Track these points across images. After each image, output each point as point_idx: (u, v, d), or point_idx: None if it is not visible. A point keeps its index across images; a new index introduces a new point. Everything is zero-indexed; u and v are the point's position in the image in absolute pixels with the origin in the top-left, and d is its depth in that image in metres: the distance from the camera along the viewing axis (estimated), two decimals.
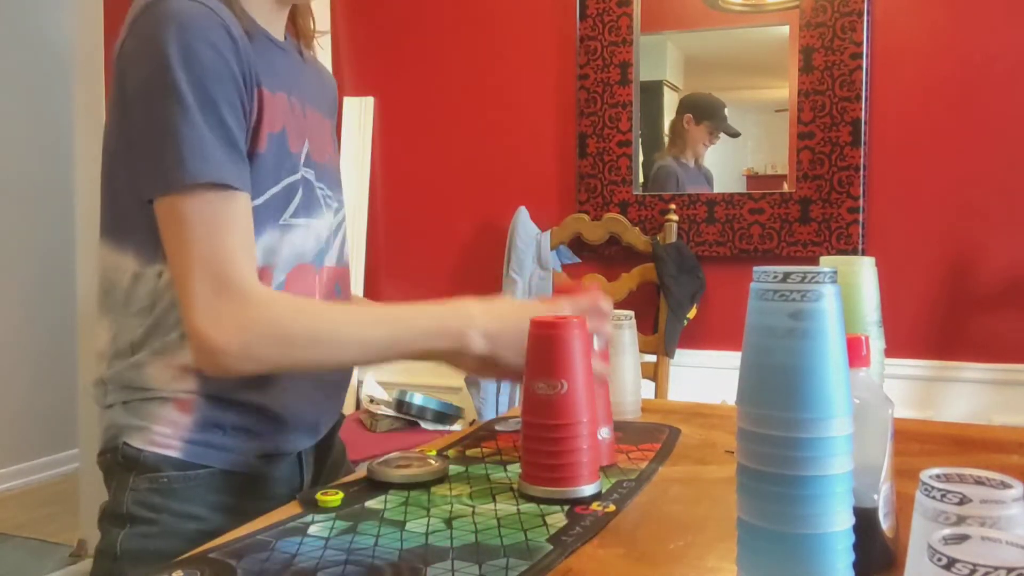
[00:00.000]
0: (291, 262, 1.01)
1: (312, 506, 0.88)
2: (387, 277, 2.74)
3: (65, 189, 3.47)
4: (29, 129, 3.80)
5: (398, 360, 0.98)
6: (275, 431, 1.03)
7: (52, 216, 3.80)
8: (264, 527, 0.83)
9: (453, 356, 0.95)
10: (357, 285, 2.68)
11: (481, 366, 0.96)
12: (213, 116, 0.89)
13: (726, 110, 2.42)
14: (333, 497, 0.88)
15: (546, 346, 0.89)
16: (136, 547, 0.96)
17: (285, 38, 1.10)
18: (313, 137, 1.06)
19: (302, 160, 1.03)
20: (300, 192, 1.02)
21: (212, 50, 0.90)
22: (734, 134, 2.41)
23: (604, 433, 0.98)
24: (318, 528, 0.82)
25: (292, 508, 0.89)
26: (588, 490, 0.88)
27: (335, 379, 1.13)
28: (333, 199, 1.11)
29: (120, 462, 0.99)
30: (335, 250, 1.11)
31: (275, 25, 1.06)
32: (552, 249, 2.44)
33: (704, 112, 2.44)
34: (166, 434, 0.97)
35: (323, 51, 2.71)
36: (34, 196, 3.83)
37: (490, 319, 0.94)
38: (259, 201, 0.96)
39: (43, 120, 3.82)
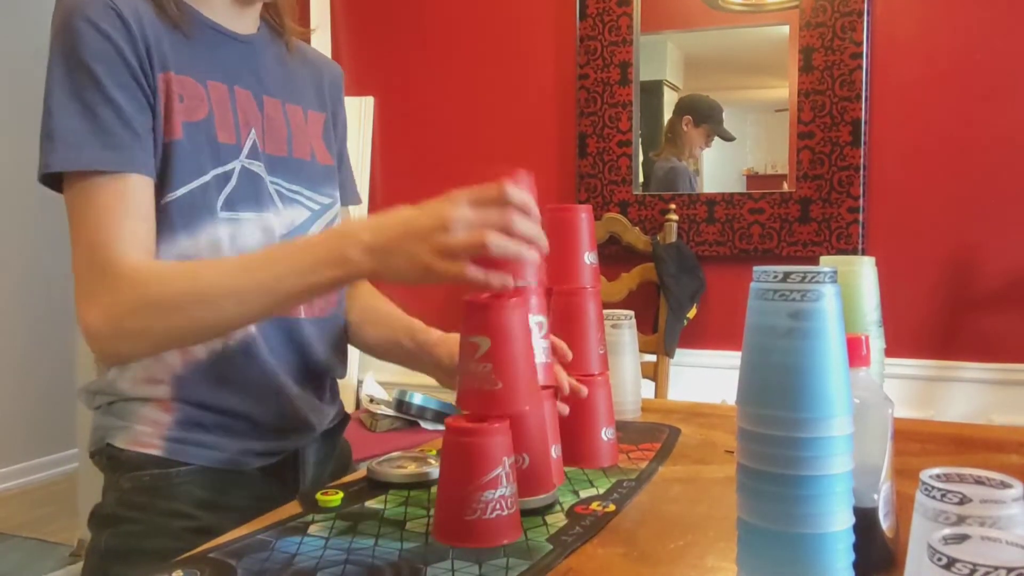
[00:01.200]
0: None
1: (312, 506, 0.88)
2: None
3: None
4: (28, 129, 3.80)
5: (289, 304, 0.91)
6: (256, 431, 1.02)
7: (51, 216, 3.79)
8: (264, 527, 0.83)
9: (344, 280, 0.87)
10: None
11: (376, 279, 0.88)
12: (97, 97, 0.89)
13: (723, 113, 2.42)
14: (333, 497, 0.88)
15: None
16: (122, 546, 0.96)
17: (259, 32, 1.09)
18: (270, 129, 1.04)
19: (244, 152, 1.00)
20: (234, 183, 0.98)
21: (94, 32, 0.89)
22: (730, 138, 2.41)
23: (608, 434, 0.97)
24: (318, 528, 0.82)
25: (292, 508, 0.89)
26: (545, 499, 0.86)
27: (316, 378, 1.10)
28: (303, 195, 1.07)
29: (106, 463, 1.00)
30: None
31: (233, 19, 1.05)
32: None
33: (704, 115, 2.44)
34: (147, 433, 0.98)
35: (322, 50, 2.72)
36: (33, 196, 3.82)
37: (373, 234, 0.83)
38: (182, 191, 0.94)
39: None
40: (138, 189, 0.91)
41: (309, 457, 1.10)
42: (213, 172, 0.97)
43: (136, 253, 0.89)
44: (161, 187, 0.94)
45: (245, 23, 1.07)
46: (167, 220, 0.94)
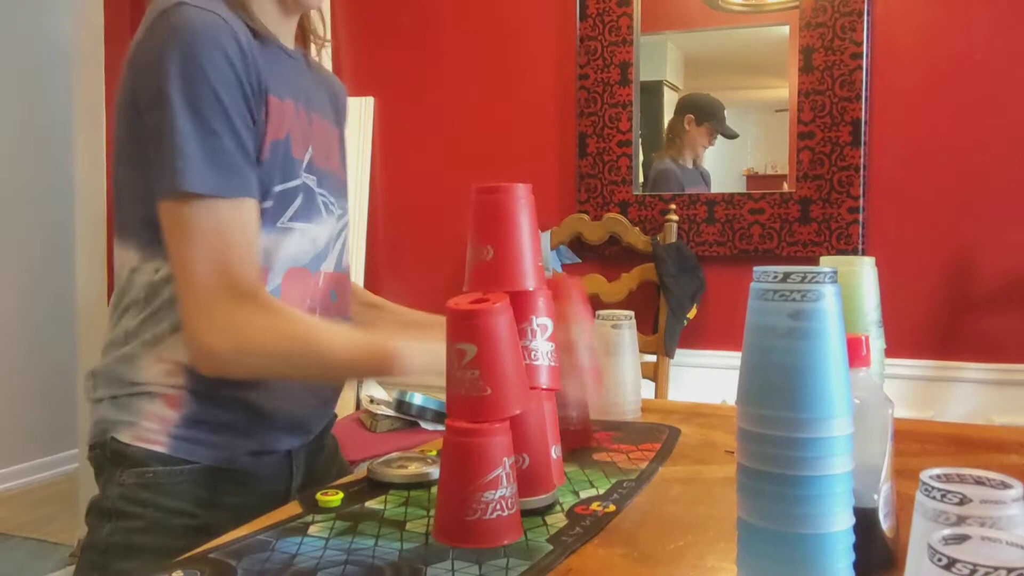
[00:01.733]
0: (286, 265, 1.02)
1: (312, 506, 0.88)
2: (387, 277, 2.74)
3: (65, 189, 3.46)
4: (28, 128, 3.80)
5: (353, 379, 1.01)
6: (263, 429, 1.03)
7: (52, 216, 3.80)
8: (264, 527, 0.83)
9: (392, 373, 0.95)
10: (358, 284, 2.68)
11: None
12: (223, 124, 0.92)
13: (725, 111, 2.42)
14: (333, 497, 0.88)
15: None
16: (122, 541, 0.96)
17: (294, 46, 1.12)
18: (317, 144, 1.08)
19: (304, 166, 1.04)
20: (300, 197, 1.02)
21: (222, 59, 0.92)
22: (733, 136, 2.41)
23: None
24: (318, 528, 0.82)
25: (292, 508, 0.89)
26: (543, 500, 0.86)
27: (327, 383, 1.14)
28: (336, 206, 1.11)
29: (108, 457, 1.00)
30: (334, 256, 1.11)
31: (284, 33, 1.08)
32: (552, 249, 2.44)
33: (705, 113, 2.44)
34: (153, 429, 0.98)
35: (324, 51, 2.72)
36: (34, 196, 3.82)
37: (424, 358, 0.95)
38: (262, 205, 0.98)
39: (43, 119, 3.82)
40: (252, 212, 0.95)
41: (301, 455, 1.11)
42: (284, 186, 1.00)
43: (259, 280, 0.95)
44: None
45: (289, 36, 1.09)
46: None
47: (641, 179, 2.45)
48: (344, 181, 1.18)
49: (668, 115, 2.48)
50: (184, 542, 0.82)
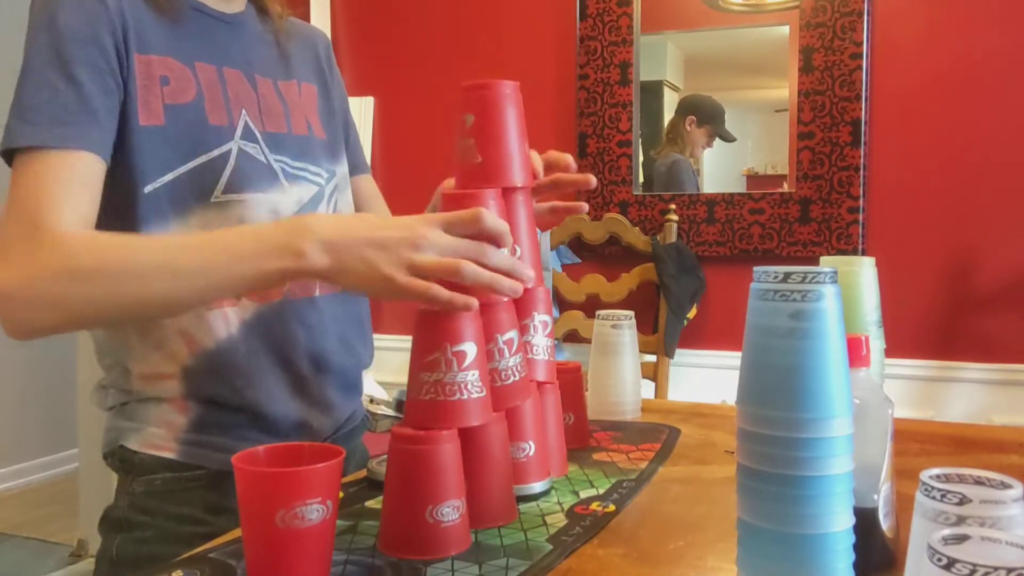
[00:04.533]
0: None
1: None
2: None
3: None
4: None
5: (227, 290, 0.86)
6: (270, 433, 0.99)
7: None
8: None
9: (293, 274, 0.81)
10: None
11: (328, 282, 0.86)
12: (61, 75, 0.87)
13: (725, 115, 2.42)
14: None
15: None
16: (132, 552, 0.95)
17: (246, 11, 1.08)
18: (266, 108, 1.02)
19: (237, 133, 0.98)
20: (231, 166, 0.95)
21: (75, 10, 0.89)
22: (731, 139, 2.41)
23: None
24: None
25: None
26: (538, 487, 0.89)
27: (332, 364, 1.06)
28: (308, 170, 1.05)
29: (119, 465, 0.98)
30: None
31: (222, 1, 1.04)
32: (552, 249, 2.44)
33: (707, 116, 2.44)
34: (161, 435, 0.96)
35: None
36: None
37: (334, 231, 0.80)
38: (169, 176, 0.92)
39: None
40: (85, 164, 0.86)
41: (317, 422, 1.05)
42: (206, 156, 0.94)
43: (71, 219, 0.84)
44: (146, 174, 0.91)
45: (231, 3, 1.05)
46: (158, 207, 0.92)
47: (641, 179, 2.45)
48: (326, 141, 1.11)
49: (668, 115, 2.48)
50: (193, 550, 0.81)
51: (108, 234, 0.87)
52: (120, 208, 0.92)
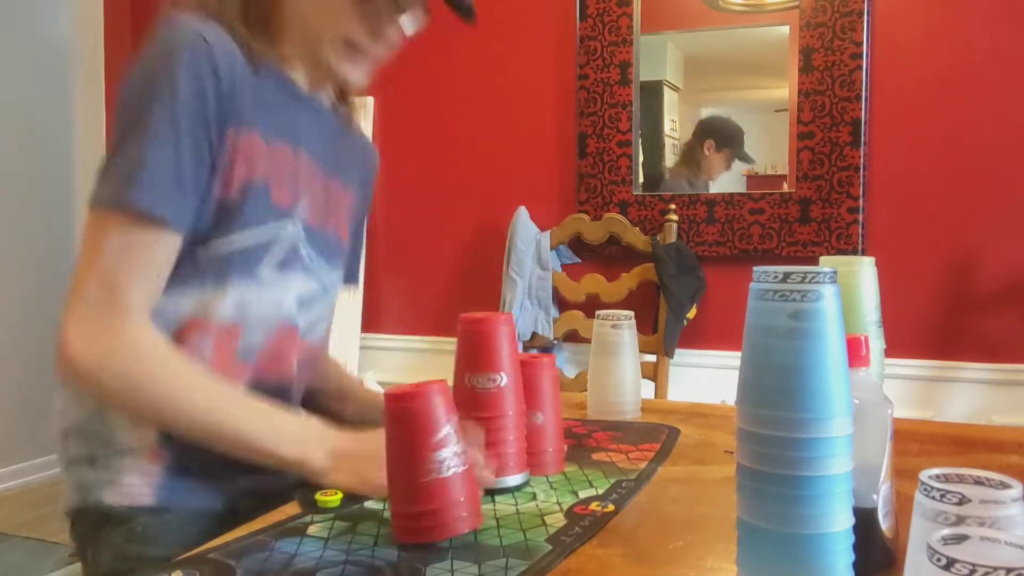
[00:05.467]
0: (270, 321, 0.99)
1: (311, 506, 0.88)
2: (387, 277, 2.74)
3: (64, 188, 3.47)
4: (28, 129, 3.80)
5: (225, 445, 0.91)
6: (246, 472, 0.95)
7: (51, 216, 3.79)
8: (264, 527, 0.83)
9: (292, 465, 0.89)
10: (357, 286, 2.68)
11: (314, 479, 0.90)
12: (167, 146, 0.89)
13: (744, 137, 2.40)
14: (333, 497, 0.88)
15: (480, 341, 0.92)
16: None
17: (325, 98, 1.10)
18: (316, 200, 1.04)
19: (294, 216, 1.01)
20: (280, 247, 0.99)
21: (193, 82, 0.89)
22: (750, 161, 2.40)
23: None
24: (317, 528, 0.82)
25: (291, 508, 0.89)
26: (516, 480, 0.92)
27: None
28: (323, 271, 1.07)
29: (93, 522, 0.98)
30: (310, 322, 1.07)
31: (313, 83, 1.06)
32: (552, 249, 2.44)
33: (726, 139, 2.42)
34: (136, 484, 0.97)
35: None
36: (33, 196, 3.82)
37: (339, 440, 0.91)
38: (225, 249, 0.95)
39: (42, 120, 3.82)
40: (168, 245, 0.91)
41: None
42: (262, 233, 0.97)
43: (144, 303, 0.90)
44: (201, 238, 0.94)
45: (315, 87, 1.08)
46: (208, 271, 0.95)
47: (641, 179, 2.45)
48: (344, 249, 1.13)
49: (668, 115, 2.48)
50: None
51: (173, 351, 0.92)
52: (178, 267, 0.94)
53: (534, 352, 2.09)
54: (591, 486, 0.94)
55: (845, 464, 0.59)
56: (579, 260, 2.50)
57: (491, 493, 0.90)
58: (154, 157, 0.88)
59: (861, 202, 2.19)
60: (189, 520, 0.97)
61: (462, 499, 0.77)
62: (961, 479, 0.53)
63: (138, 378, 0.89)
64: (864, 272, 1.02)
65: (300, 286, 1.03)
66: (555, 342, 2.45)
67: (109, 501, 0.97)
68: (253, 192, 0.95)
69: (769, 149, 2.38)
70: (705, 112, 2.48)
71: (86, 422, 0.99)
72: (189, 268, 0.94)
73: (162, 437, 0.97)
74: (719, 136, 2.43)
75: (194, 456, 0.95)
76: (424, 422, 0.77)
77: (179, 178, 0.89)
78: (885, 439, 0.70)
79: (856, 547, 0.60)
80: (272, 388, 0.99)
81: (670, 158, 2.50)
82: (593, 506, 0.86)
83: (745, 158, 2.40)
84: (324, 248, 1.07)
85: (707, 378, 2.32)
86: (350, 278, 1.22)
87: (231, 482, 0.99)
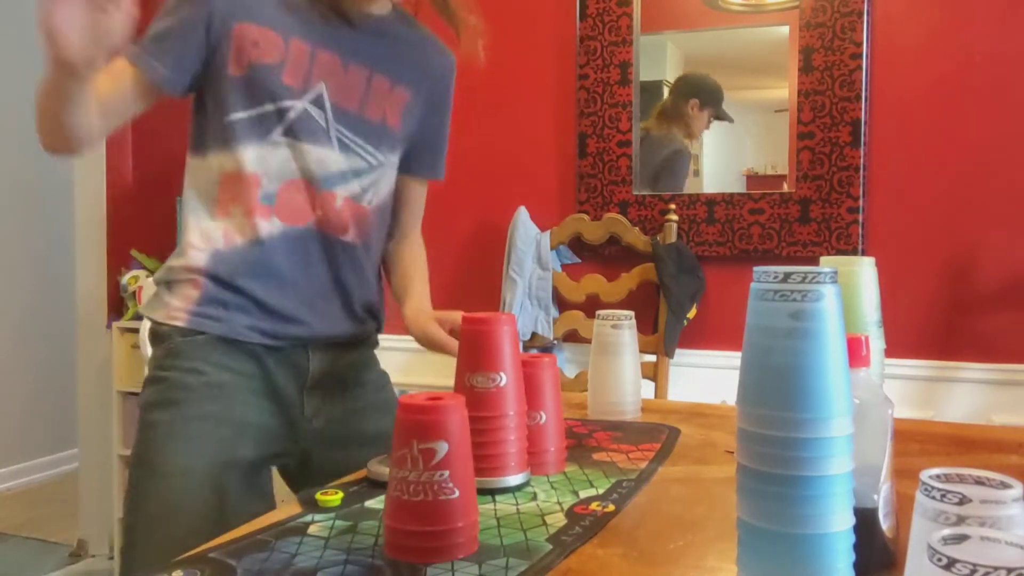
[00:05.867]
0: (284, 175, 1.19)
1: (312, 506, 0.88)
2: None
3: (65, 188, 3.46)
4: (27, 130, 3.80)
5: (60, 100, 1.04)
6: (270, 319, 1.19)
7: (53, 217, 3.79)
8: (264, 527, 0.83)
9: (58, 80, 1.00)
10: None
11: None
12: (164, 22, 1.15)
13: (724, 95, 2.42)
14: (333, 497, 0.89)
15: (481, 341, 0.92)
16: (155, 399, 1.17)
17: (388, 14, 1.29)
18: (344, 88, 1.22)
19: (306, 96, 1.19)
20: (292, 119, 1.18)
21: None
22: (730, 120, 2.41)
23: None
24: (318, 528, 0.82)
25: (292, 508, 0.89)
26: (516, 480, 0.92)
27: (338, 291, 1.25)
28: (364, 149, 1.25)
29: (152, 339, 1.22)
30: (360, 190, 1.25)
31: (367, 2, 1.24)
32: (552, 249, 2.44)
33: (709, 97, 2.42)
34: (177, 307, 1.18)
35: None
36: (34, 196, 3.83)
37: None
38: (243, 114, 1.17)
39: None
40: (127, 75, 1.12)
41: (321, 355, 1.24)
42: (272, 106, 1.17)
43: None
44: (228, 109, 1.17)
45: (374, 6, 1.25)
46: (237, 134, 1.17)
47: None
48: (397, 135, 1.29)
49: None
50: (195, 395, 1.14)
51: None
52: (216, 132, 1.18)
53: (534, 352, 2.09)
54: (592, 486, 0.94)
55: (845, 464, 0.59)
56: (579, 260, 2.50)
57: (492, 493, 0.90)
58: (155, 26, 1.15)
59: (861, 202, 2.19)
60: (209, 345, 1.17)
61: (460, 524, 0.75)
62: (961, 479, 0.53)
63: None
64: (864, 272, 1.02)
65: (327, 155, 1.21)
66: (555, 342, 2.45)
67: (159, 318, 1.20)
68: (264, 73, 1.16)
69: (769, 149, 2.38)
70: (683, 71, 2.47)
71: (173, 260, 1.21)
72: (224, 134, 1.17)
73: (210, 264, 1.17)
74: (703, 94, 2.43)
75: (224, 292, 1.17)
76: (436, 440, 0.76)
77: (162, 39, 1.14)
78: (885, 439, 0.70)
79: (856, 547, 0.60)
80: (296, 232, 1.20)
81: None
82: (593, 506, 0.87)
83: (725, 116, 2.41)
84: (361, 130, 1.24)
85: (707, 378, 2.32)
86: (432, 172, 1.43)
87: (247, 318, 1.18)
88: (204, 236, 1.19)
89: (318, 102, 1.21)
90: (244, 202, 1.18)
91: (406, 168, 1.36)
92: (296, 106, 1.19)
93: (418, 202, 1.46)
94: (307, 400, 1.24)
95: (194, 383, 1.16)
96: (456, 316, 1.19)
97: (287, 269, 1.20)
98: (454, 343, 1.11)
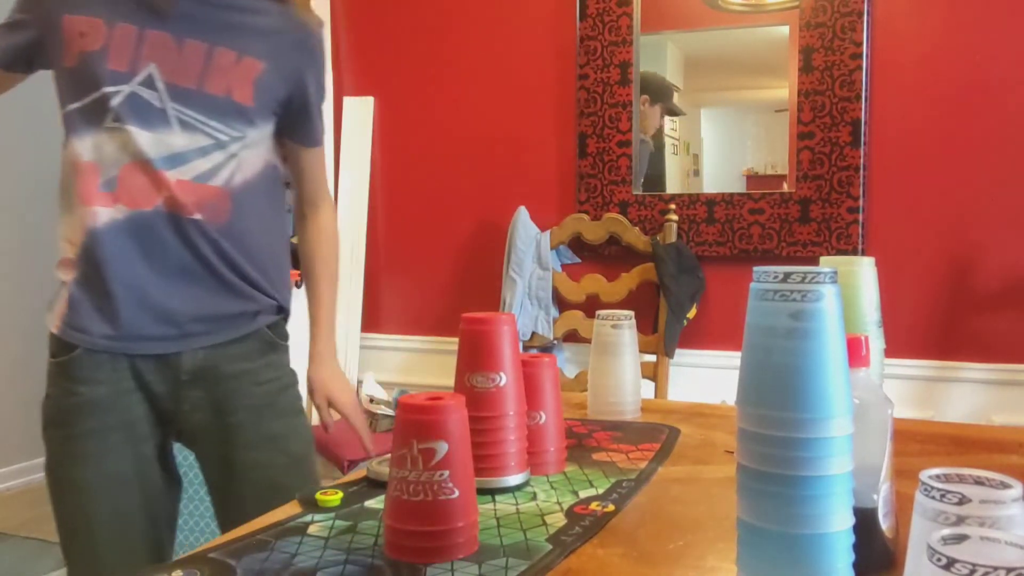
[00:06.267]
0: (120, 161, 1.18)
1: (312, 506, 0.88)
2: (387, 277, 2.74)
3: None
4: (27, 130, 3.80)
5: None
6: (129, 319, 1.19)
7: (48, 214, 3.79)
8: (263, 527, 0.83)
9: None
10: (357, 284, 2.68)
11: None
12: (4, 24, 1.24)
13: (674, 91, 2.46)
14: (333, 497, 0.89)
15: (481, 341, 0.91)
16: (46, 417, 1.23)
17: None
18: (180, 66, 1.20)
19: (135, 79, 1.19)
20: (120, 103, 1.18)
21: None
22: (681, 114, 2.45)
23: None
24: (317, 528, 0.82)
25: (292, 508, 0.89)
26: (516, 479, 0.92)
27: (207, 274, 1.23)
28: (209, 126, 1.22)
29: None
30: (210, 168, 1.22)
31: None
32: (552, 249, 2.44)
33: (659, 94, 2.45)
34: (56, 314, 1.22)
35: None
36: (34, 196, 3.83)
37: None
38: (76, 104, 1.19)
39: (43, 120, 3.82)
40: None
41: (188, 358, 1.24)
42: (98, 92, 1.18)
43: None
44: (65, 100, 1.20)
45: None
46: (75, 123, 1.19)
47: (642, 179, 2.45)
48: (251, 108, 1.25)
49: (668, 114, 2.49)
50: (74, 415, 1.19)
51: None
52: (63, 125, 1.21)
53: (534, 352, 2.09)
54: (591, 486, 0.94)
55: (845, 464, 0.59)
56: (579, 260, 2.50)
57: (491, 493, 0.90)
58: None
59: (861, 202, 2.19)
60: (78, 362, 1.20)
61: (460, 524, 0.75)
62: (961, 479, 0.53)
63: None
64: (864, 272, 1.02)
65: (165, 136, 1.20)
66: (555, 342, 2.45)
67: (48, 325, 1.24)
68: (89, 60, 1.17)
69: (769, 149, 2.38)
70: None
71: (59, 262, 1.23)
72: (66, 126, 1.20)
73: (71, 270, 1.20)
74: (651, 91, 2.45)
75: (86, 294, 1.19)
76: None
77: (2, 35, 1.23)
78: (885, 439, 0.70)
79: (856, 547, 0.60)
80: (143, 216, 1.19)
81: (671, 158, 2.50)
82: (593, 506, 0.86)
83: (675, 111, 2.44)
84: (203, 106, 1.22)
85: (707, 378, 2.32)
86: (308, 140, 1.37)
87: (108, 326, 1.19)
88: (65, 233, 1.21)
89: (148, 83, 1.20)
90: (87, 192, 1.19)
91: (289, 135, 1.35)
92: (124, 90, 1.18)
93: (313, 170, 1.42)
94: (184, 396, 1.25)
95: (72, 404, 1.20)
96: (333, 393, 1.37)
97: (139, 256, 1.19)
98: (328, 423, 1.36)
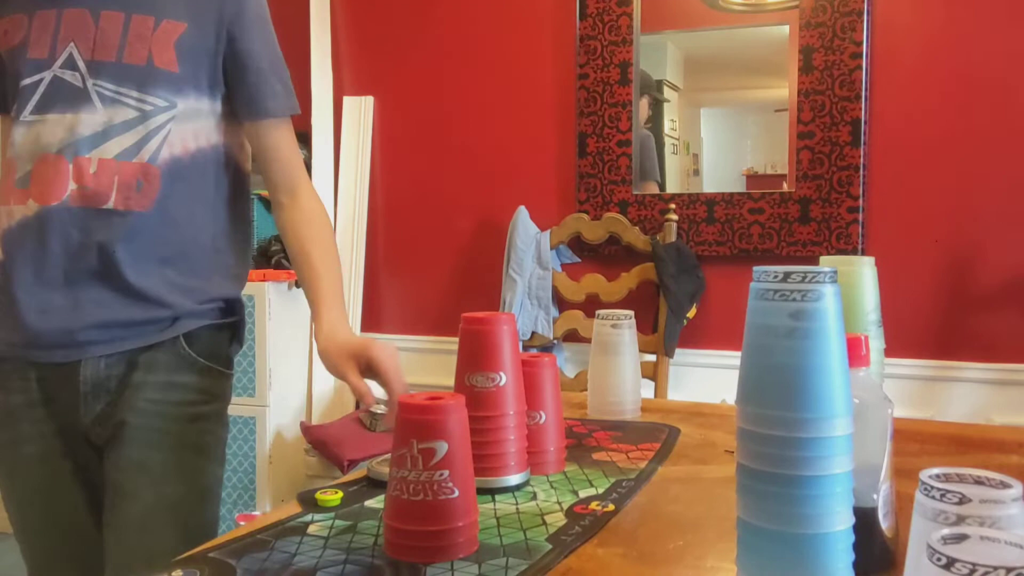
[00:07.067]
0: (33, 154, 1.14)
1: (311, 505, 0.88)
2: (387, 277, 2.74)
3: None
4: None
5: None
6: (26, 319, 1.13)
7: None
8: (263, 527, 0.83)
9: None
10: (357, 284, 2.68)
11: None
12: None
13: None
14: (333, 497, 0.89)
15: (480, 341, 0.91)
16: None
17: None
18: (101, 40, 1.14)
19: (57, 63, 1.15)
20: (40, 91, 1.15)
21: None
22: (667, 100, 2.46)
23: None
24: (317, 527, 0.82)
25: (291, 507, 0.89)
26: (516, 479, 0.92)
27: (110, 277, 1.13)
28: (131, 97, 1.15)
29: None
30: (134, 143, 1.14)
31: None
32: (552, 248, 2.44)
33: (646, 85, 2.45)
34: None
35: (322, 49, 2.72)
36: None
37: None
38: (10, 105, 1.17)
39: None
40: None
41: (89, 367, 1.14)
42: (23, 83, 1.15)
43: None
44: (3, 100, 1.20)
45: None
46: (6, 125, 1.18)
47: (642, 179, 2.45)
48: (177, 75, 1.16)
49: (668, 114, 2.49)
50: None
51: None
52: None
53: (534, 352, 2.10)
54: (591, 485, 0.94)
55: (845, 464, 0.59)
56: (579, 260, 2.50)
57: (491, 492, 0.90)
58: None
59: (861, 202, 2.19)
60: (1, 372, 1.17)
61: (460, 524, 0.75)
62: (961, 479, 0.53)
63: None
64: (864, 272, 1.02)
65: (84, 116, 1.13)
66: (555, 342, 2.45)
67: None
68: (13, 56, 1.16)
69: (769, 149, 2.38)
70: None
71: None
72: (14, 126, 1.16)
73: None
74: (639, 83, 2.45)
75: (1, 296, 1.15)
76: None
77: None
78: (885, 439, 0.70)
79: (856, 547, 0.60)
80: (50, 212, 1.12)
81: (670, 158, 2.50)
82: (593, 505, 0.86)
83: (661, 99, 2.45)
84: (124, 78, 1.14)
85: (707, 378, 2.32)
86: (268, 109, 1.21)
87: (8, 331, 1.15)
88: None
89: (69, 63, 1.15)
90: (5, 190, 1.16)
91: (245, 113, 1.21)
92: (45, 77, 1.15)
93: (279, 149, 1.23)
94: (88, 409, 1.14)
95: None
96: (372, 348, 1.08)
97: (41, 257, 1.12)
98: (367, 390, 1.09)
